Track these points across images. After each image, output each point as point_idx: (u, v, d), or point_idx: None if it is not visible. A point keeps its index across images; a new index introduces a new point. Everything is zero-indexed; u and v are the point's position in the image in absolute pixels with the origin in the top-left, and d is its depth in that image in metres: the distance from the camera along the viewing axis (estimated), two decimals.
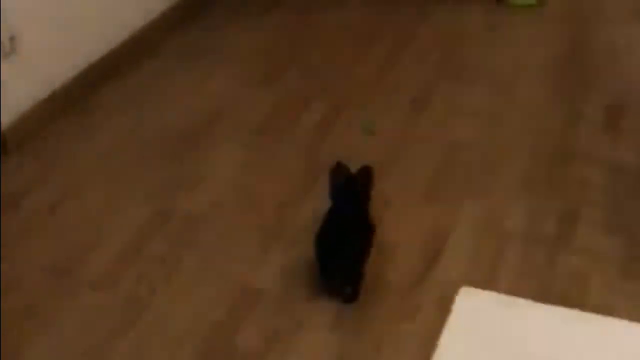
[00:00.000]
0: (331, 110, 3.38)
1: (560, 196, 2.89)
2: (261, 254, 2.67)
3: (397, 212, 2.83)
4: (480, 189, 2.94)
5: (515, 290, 2.48)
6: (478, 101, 3.45)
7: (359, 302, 2.48)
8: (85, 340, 2.38)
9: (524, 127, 3.27)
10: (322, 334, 2.38)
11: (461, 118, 3.34)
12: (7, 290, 2.53)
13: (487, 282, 2.52)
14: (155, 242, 2.72)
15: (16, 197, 2.91)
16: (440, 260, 2.63)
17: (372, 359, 2.33)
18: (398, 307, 2.46)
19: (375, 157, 3.09)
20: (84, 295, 2.53)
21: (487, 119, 3.33)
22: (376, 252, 2.66)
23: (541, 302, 2.41)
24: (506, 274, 2.57)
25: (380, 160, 3.08)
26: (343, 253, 2.44)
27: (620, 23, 4.03)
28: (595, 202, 2.86)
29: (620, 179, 2.97)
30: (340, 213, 2.52)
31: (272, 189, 2.96)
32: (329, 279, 2.49)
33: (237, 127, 3.31)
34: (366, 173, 2.61)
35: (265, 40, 3.94)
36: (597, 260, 2.62)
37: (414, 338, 2.35)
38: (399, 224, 2.78)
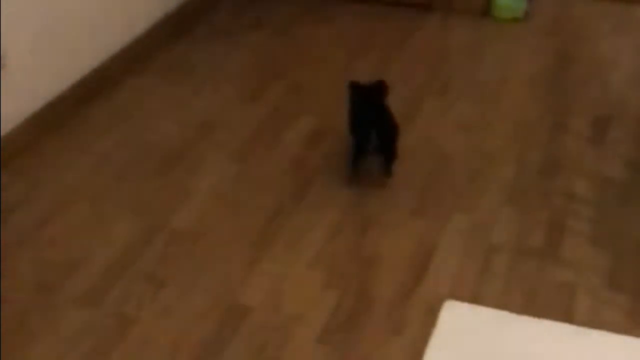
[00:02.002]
0: (318, 124, 3.39)
1: (547, 208, 2.90)
2: (249, 269, 2.67)
3: (385, 226, 2.84)
4: (467, 202, 2.95)
5: (502, 303, 2.49)
6: (465, 114, 3.46)
7: (347, 316, 2.48)
8: (72, 357, 2.37)
9: (510, 140, 3.28)
10: (309, 349, 2.38)
11: (448, 131, 3.35)
12: None
13: (475, 296, 2.53)
14: (142, 258, 2.72)
15: (3, 214, 2.90)
16: (428, 274, 2.63)
17: None
18: (386, 321, 2.46)
19: None
20: (71, 312, 2.51)
21: (474, 132, 3.34)
22: (363, 266, 2.67)
23: (528, 315, 2.41)
24: (493, 287, 2.57)
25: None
26: (383, 134, 2.98)
27: (604, 36, 4.06)
28: (581, 213, 2.87)
29: (606, 191, 2.98)
30: (365, 110, 3.05)
31: (260, 203, 2.96)
32: (368, 158, 3.01)
33: (225, 142, 3.31)
34: (380, 83, 3.10)
35: (251, 55, 3.96)
36: (584, 272, 2.63)
37: (402, 351, 2.35)
38: (386, 237, 2.79)
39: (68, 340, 2.42)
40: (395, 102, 3.53)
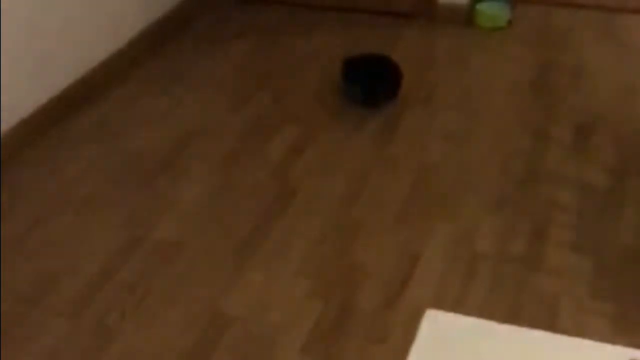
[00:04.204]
0: (301, 134, 3.39)
1: (530, 217, 2.91)
2: (233, 279, 2.66)
3: (369, 235, 2.84)
4: (451, 211, 2.95)
5: (486, 311, 2.49)
6: (448, 123, 3.47)
7: (331, 325, 2.47)
8: None
9: (493, 149, 3.29)
10: (293, 359, 2.37)
11: (431, 140, 3.36)
12: None
13: (458, 304, 2.53)
14: (126, 269, 2.71)
15: None
16: (411, 283, 2.63)
17: None
18: (369, 330, 2.46)
19: (346, 179, 3.11)
20: (53, 323, 2.51)
21: (457, 141, 3.35)
22: (348, 275, 2.67)
23: (511, 324, 2.41)
24: (477, 296, 2.57)
25: (350, 183, 3.09)
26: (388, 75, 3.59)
27: (587, 44, 4.08)
28: (564, 222, 2.88)
29: (589, 199, 2.99)
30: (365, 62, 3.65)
31: (244, 213, 2.95)
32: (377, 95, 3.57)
33: (208, 152, 3.31)
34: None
35: (235, 66, 3.96)
36: (567, 281, 2.63)
37: None
38: (370, 246, 2.79)
39: (50, 352, 2.41)
40: (379, 112, 3.55)
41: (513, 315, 2.48)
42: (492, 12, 4.23)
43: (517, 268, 2.68)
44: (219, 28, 4.30)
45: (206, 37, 4.21)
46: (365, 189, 3.07)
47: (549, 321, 2.47)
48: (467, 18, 4.27)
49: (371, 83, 3.55)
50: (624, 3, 4.42)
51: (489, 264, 2.70)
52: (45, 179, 3.15)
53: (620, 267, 2.69)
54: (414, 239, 2.81)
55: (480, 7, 4.23)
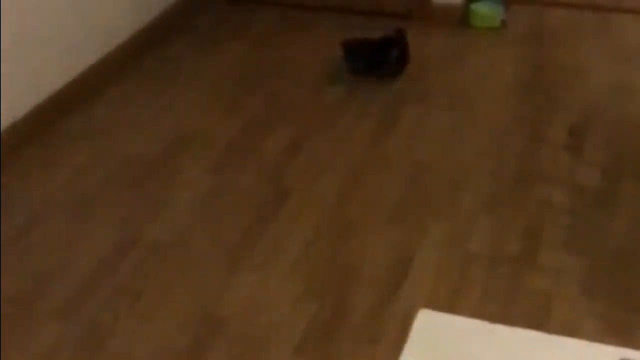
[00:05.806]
0: (296, 135, 3.40)
1: (523, 216, 2.92)
2: (225, 281, 2.66)
3: (362, 235, 2.84)
4: (444, 210, 2.96)
5: (479, 311, 2.49)
6: (442, 123, 3.47)
7: (324, 326, 2.48)
8: None
9: (487, 149, 3.30)
10: (286, 359, 2.38)
11: (425, 140, 3.36)
12: None
13: (452, 304, 2.54)
14: (119, 271, 2.71)
15: None
16: (405, 283, 2.64)
17: None
18: (363, 330, 2.46)
19: (340, 180, 3.11)
20: (47, 324, 2.50)
21: (451, 141, 3.35)
22: (341, 276, 2.67)
23: (504, 324, 2.42)
24: (470, 296, 2.58)
25: (344, 183, 3.10)
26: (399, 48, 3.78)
27: (580, 44, 4.09)
28: (557, 222, 2.89)
29: (582, 199, 3.00)
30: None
31: (237, 214, 2.96)
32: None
33: (202, 152, 3.31)
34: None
35: (230, 66, 3.96)
36: (560, 280, 2.64)
37: None
38: (363, 246, 2.79)
39: (44, 353, 2.41)
40: (373, 112, 3.55)
41: (506, 315, 2.49)
42: (486, 12, 4.24)
43: (510, 268, 2.69)
44: (212, 29, 4.30)
45: (199, 39, 4.21)
46: (359, 189, 3.08)
47: (542, 321, 2.47)
48: (461, 18, 4.28)
49: (374, 52, 3.80)
50: (618, 3, 4.43)
51: (482, 263, 2.71)
52: (38, 181, 3.15)
53: (612, 267, 2.70)
54: (408, 239, 2.82)
55: (475, 7, 4.24)
